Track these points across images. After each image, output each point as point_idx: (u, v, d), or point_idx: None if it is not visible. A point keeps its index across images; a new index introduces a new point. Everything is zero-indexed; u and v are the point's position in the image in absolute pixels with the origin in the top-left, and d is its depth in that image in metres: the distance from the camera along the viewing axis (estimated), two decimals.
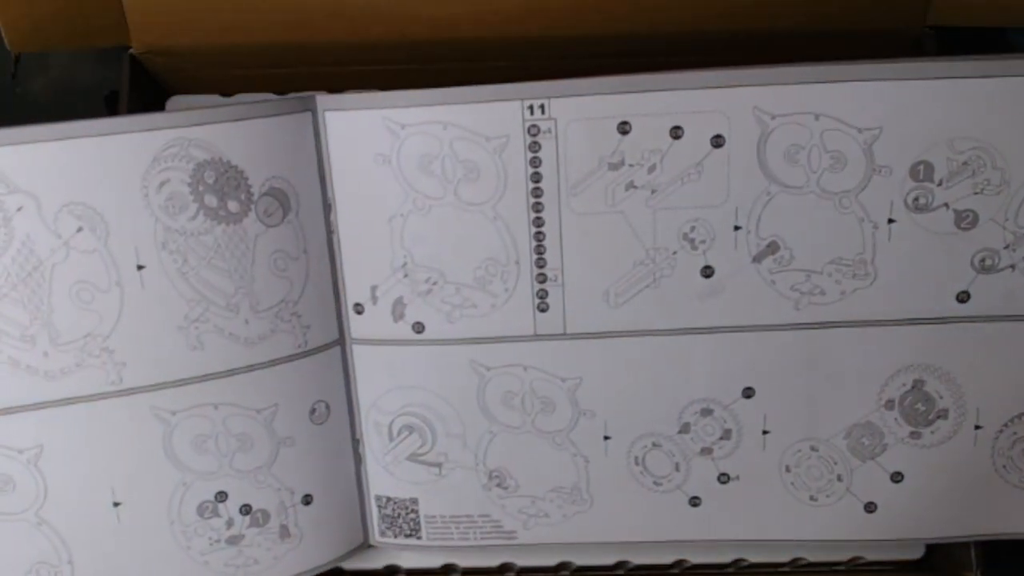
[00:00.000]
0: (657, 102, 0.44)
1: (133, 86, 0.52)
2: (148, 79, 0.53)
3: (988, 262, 0.45)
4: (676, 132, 0.44)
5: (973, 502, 0.49)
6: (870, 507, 0.50)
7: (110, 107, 0.53)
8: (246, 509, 0.49)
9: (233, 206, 0.45)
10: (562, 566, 0.54)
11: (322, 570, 0.52)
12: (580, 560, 0.53)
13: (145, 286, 0.44)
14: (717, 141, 0.44)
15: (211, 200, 0.44)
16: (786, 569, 0.53)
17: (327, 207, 0.47)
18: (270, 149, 0.45)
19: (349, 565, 0.53)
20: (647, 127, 0.44)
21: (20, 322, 0.44)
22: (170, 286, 0.45)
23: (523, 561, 0.53)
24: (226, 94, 0.55)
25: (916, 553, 0.54)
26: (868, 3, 0.53)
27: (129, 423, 0.46)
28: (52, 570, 0.47)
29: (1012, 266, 0.45)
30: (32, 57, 0.61)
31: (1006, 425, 0.48)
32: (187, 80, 0.54)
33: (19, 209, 0.42)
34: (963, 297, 0.46)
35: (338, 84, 0.56)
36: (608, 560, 0.53)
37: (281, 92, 0.55)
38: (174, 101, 0.55)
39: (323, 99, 0.46)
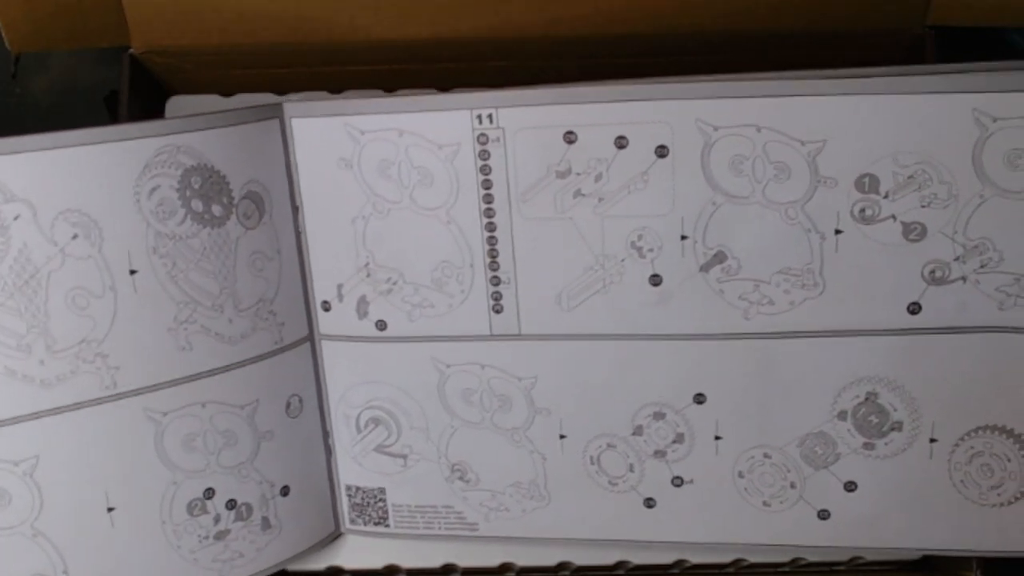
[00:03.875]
0: (601, 113, 0.45)
1: (133, 86, 0.53)
2: (148, 79, 0.55)
3: (938, 274, 0.45)
4: (621, 142, 0.45)
5: (929, 515, 0.48)
6: (823, 514, 0.49)
7: (110, 107, 0.54)
8: (231, 504, 0.51)
9: (217, 210, 0.47)
10: (562, 566, 0.55)
11: (299, 558, 0.54)
12: (580, 560, 0.55)
13: (137, 290, 0.45)
14: (661, 151, 0.45)
15: (197, 205, 0.46)
16: (786, 569, 0.54)
17: (295, 209, 0.50)
18: (246, 154, 0.47)
19: (349, 564, 0.56)
20: (592, 137, 0.45)
21: (16, 331, 0.44)
22: (161, 289, 0.46)
23: (487, 553, 0.55)
24: (226, 94, 0.57)
25: (915, 554, 0.53)
26: (868, 3, 0.52)
27: (123, 427, 0.47)
28: None
29: (963, 278, 0.44)
30: (32, 57, 0.63)
31: (962, 439, 0.47)
32: (187, 80, 0.56)
33: (16, 218, 0.43)
34: (914, 308, 0.45)
35: (338, 84, 0.57)
36: (608, 560, 0.54)
37: (281, 92, 0.57)
38: (174, 101, 0.57)
39: (289, 106, 0.48)
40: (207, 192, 0.46)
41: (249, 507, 0.51)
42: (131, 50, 0.53)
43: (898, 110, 0.42)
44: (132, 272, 0.45)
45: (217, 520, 0.50)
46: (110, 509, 0.48)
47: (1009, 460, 0.47)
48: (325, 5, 0.52)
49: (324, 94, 0.57)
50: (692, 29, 0.52)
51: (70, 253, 0.44)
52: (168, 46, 0.53)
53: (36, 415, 0.45)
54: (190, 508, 0.49)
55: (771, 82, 0.43)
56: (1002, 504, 0.48)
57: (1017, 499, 0.47)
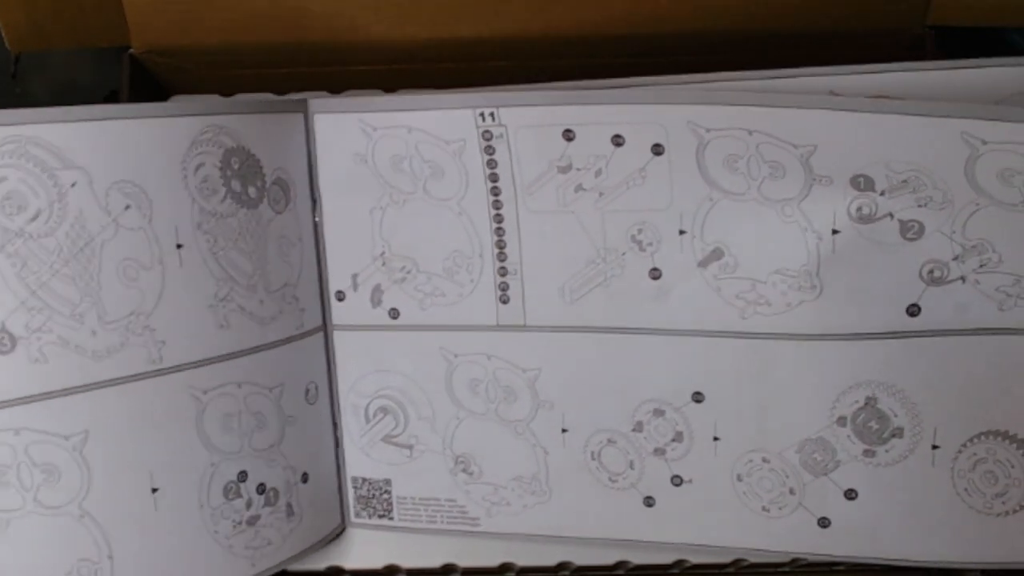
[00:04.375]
0: (596, 112, 0.45)
1: (133, 86, 0.54)
2: (148, 79, 0.56)
3: (937, 274, 0.44)
4: (617, 140, 0.45)
5: (933, 525, 0.47)
6: (823, 522, 0.48)
7: None
8: (261, 488, 0.50)
9: (252, 192, 0.47)
10: (562, 566, 0.54)
11: (311, 551, 0.53)
12: (580, 560, 0.54)
13: (183, 265, 0.45)
14: (657, 149, 0.45)
15: (236, 185, 0.47)
16: (786, 569, 0.53)
17: (314, 201, 0.50)
18: (276, 142, 0.48)
19: (348, 564, 0.55)
20: (589, 135, 0.46)
21: (71, 299, 0.43)
22: (203, 265, 0.46)
23: (487, 553, 0.55)
24: (226, 94, 0.57)
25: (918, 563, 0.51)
26: (868, 3, 0.52)
27: (168, 403, 0.46)
28: (92, 567, 0.46)
29: (962, 278, 0.43)
30: (32, 57, 0.63)
31: (965, 445, 0.46)
32: (187, 80, 0.56)
33: (73, 185, 0.42)
34: (913, 311, 0.44)
35: (338, 84, 0.58)
36: (608, 560, 0.54)
37: (281, 92, 0.57)
38: (174, 101, 0.57)
39: (313, 102, 0.49)
40: (244, 173, 0.47)
41: (276, 492, 0.51)
42: (131, 50, 0.54)
43: (886, 126, 0.42)
44: (179, 246, 0.45)
45: (249, 505, 0.50)
46: (154, 490, 0.47)
47: (1012, 466, 0.46)
48: (325, 5, 0.53)
49: (324, 94, 0.57)
50: (692, 29, 0.53)
51: (123, 224, 0.44)
52: (168, 46, 0.54)
53: (87, 387, 0.44)
54: (226, 491, 0.49)
55: (758, 93, 0.43)
56: (1007, 513, 0.46)
57: (1022, 507, 0.46)
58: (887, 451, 0.47)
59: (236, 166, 0.46)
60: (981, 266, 0.43)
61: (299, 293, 0.50)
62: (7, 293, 0.42)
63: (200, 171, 0.45)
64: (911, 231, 0.43)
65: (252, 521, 0.50)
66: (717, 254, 0.46)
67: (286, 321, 0.50)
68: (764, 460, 0.48)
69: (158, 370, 0.46)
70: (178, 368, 0.46)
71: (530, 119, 0.46)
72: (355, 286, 0.51)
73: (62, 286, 0.43)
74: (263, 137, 0.48)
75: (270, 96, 0.56)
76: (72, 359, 0.44)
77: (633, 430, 0.50)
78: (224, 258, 0.47)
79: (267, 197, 0.48)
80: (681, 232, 0.46)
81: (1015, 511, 0.46)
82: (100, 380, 0.45)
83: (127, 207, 0.44)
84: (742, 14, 0.52)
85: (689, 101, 0.44)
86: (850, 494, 0.48)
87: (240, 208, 0.47)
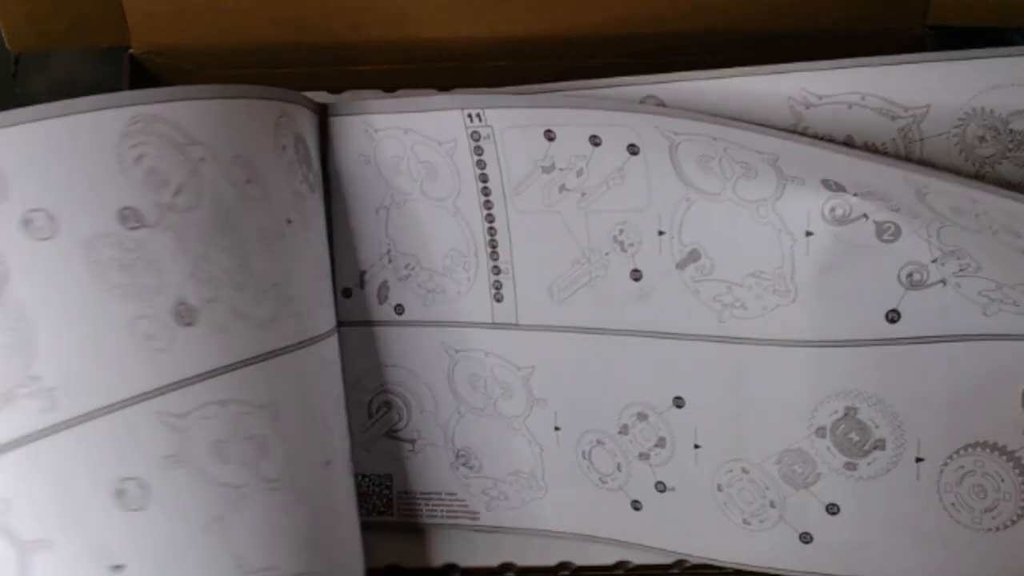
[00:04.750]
0: (574, 114, 0.45)
1: (133, 86, 0.54)
2: (148, 79, 0.56)
3: (916, 277, 0.42)
4: (595, 140, 0.45)
5: (920, 542, 0.45)
6: (805, 537, 0.47)
7: None
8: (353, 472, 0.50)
9: (312, 178, 0.48)
10: (562, 566, 0.54)
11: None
12: (580, 559, 0.54)
13: (295, 240, 0.45)
14: (632, 149, 0.45)
15: (305, 170, 0.47)
16: None
17: (327, 200, 0.51)
18: (314, 137, 0.49)
19: None
20: (569, 135, 0.46)
21: (229, 269, 0.42)
22: (306, 243, 0.46)
23: (487, 552, 0.55)
24: None
25: None
26: (868, 3, 0.51)
27: (322, 376, 0.46)
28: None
29: (943, 281, 0.42)
30: (32, 57, 0.63)
31: (951, 458, 0.44)
32: (187, 80, 0.57)
33: (201, 159, 0.41)
34: (893, 316, 0.43)
35: (338, 84, 0.58)
36: (608, 560, 0.54)
37: None
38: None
39: (329, 105, 0.50)
40: (305, 160, 0.47)
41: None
42: (131, 50, 0.55)
43: (839, 157, 0.41)
44: (288, 221, 0.45)
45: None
46: (327, 463, 0.46)
47: (1002, 480, 0.44)
48: (325, 5, 0.53)
49: (324, 94, 0.58)
50: (692, 29, 0.52)
51: (249, 196, 0.43)
52: (168, 46, 0.55)
53: (264, 357, 0.43)
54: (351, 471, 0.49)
55: (709, 116, 0.43)
56: (997, 528, 0.44)
57: (1013, 522, 0.44)
58: (869, 464, 0.45)
59: (302, 152, 0.47)
60: (961, 270, 0.41)
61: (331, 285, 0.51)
62: (174, 266, 0.41)
63: (286, 152, 0.46)
64: (887, 232, 0.42)
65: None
66: (694, 256, 0.45)
67: (330, 311, 0.50)
68: (744, 471, 0.47)
69: (302, 341, 0.45)
70: (312, 341, 0.46)
71: (514, 120, 0.46)
72: (362, 283, 0.52)
73: (219, 256, 0.42)
74: (308, 130, 0.48)
75: None
76: (247, 328, 0.42)
77: (619, 432, 0.49)
78: (313, 237, 0.47)
79: (317, 187, 0.49)
80: (660, 233, 0.46)
81: (1006, 526, 0.44)
82: (270, 350, 0.43)
83: (248, 181, 0.43)
84: (742, 14, 0.52)
85: (654, 112, 0.44)
86: (832, 509, 0.46)
87: (311, 192, 0.47)
